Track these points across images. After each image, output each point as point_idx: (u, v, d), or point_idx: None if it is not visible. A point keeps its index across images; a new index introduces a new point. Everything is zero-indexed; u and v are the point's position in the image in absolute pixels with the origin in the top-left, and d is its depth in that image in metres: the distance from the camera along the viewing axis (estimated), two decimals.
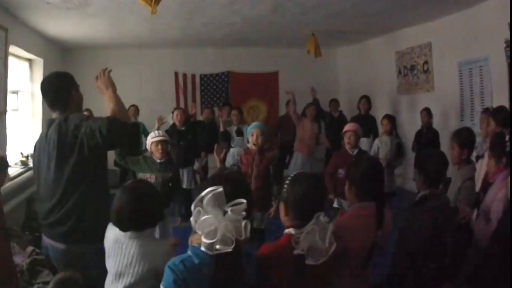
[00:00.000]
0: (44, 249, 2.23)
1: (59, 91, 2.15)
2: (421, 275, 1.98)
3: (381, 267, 2.17)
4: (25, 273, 3.37)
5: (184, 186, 5.30)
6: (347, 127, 3.93)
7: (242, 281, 1.29)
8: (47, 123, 2.17)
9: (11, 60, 4.88)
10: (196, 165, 5.66)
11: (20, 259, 3.52)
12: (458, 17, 5.41)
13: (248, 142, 3.69)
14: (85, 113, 5.42)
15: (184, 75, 8.07)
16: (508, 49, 4.46)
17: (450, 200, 2.37)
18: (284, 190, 1.56)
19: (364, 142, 6.18)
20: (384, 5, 4.99)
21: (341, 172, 3.68)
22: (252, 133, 3.53)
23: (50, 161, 2.06)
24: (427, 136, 5.35)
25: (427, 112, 5.48)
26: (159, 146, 3.55)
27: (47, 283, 3.27)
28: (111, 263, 1.82)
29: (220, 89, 8.24)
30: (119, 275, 1.79)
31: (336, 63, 8.83)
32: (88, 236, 2.05)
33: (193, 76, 8.12)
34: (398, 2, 4.91)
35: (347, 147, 3.84)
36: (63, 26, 5.57)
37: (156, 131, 3.78)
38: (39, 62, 6.09)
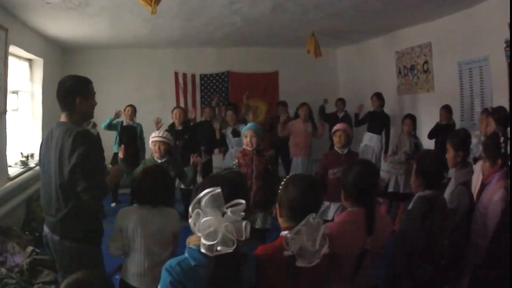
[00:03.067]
0: (43, 237, 2.34)
1: (64, 94, 2.21)
2: (418, 276, 1.98)
3: (379, 268, 2.17)
4: (25, 273, 3.37)
5: (183, 186, 5.29)
6: (337, 126, 3.90)
7: (239, 282, 1.29)
8: (56, 125, 2.26)
9: (11, 60, 4.88)
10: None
11: (20, 259, 3.52)
12: (458, 17, 5.41)
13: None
14: None
15: (184, 75, 8.07)
16: (508, 49, 4.46)
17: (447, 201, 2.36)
18: (279, 193, 1.55)
19: (374, 139, 6.29)
20: (384, 5, 4.98)
21: (332, 172, 3.67)
22: (245, 135, 3.55)
23: (55, 159, 2.15)
24: (445, 133, 5.19)
25: (446, 109, 5.25)
26: (156, 147, 3.59)
27: (47, 283, 3.27)
28: (139, 241, 2.21)
29: (220, 89, 8.23)
30: (149, 248, 2.21)
31: (336, 63, 8.83)
32: (75, 234, 2.17)
33: (193, 76, 8.11)
34: (398, 2, 4.91)
35: (337, 146, 3.81)
36: (63, 26, 5.57)
37: (157, 131, 3.78)
38: (39, 62, 6.09)
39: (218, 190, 1.21)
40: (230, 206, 1.21)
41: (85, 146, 2.07)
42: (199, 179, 6.34)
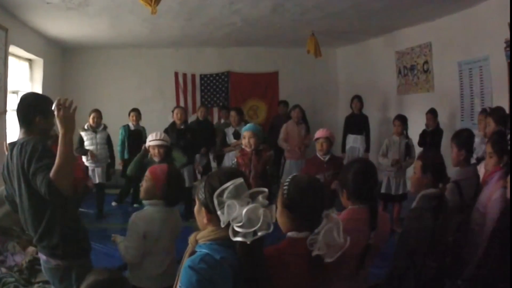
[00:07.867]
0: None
1: (24, 111, 2.14)
2: (422, 274, 1.98)
3: (379, 268, 2.17)
4: (25, 272, 3.38)
5: (186, 184, 5.29)
6: (318, 133, 3.79)
7: (261, 270, 1.32)
8: (10, 146, 2.15)
9: (11, 60, 4.89)
10: (197, 161, 5.67)
11: (20, 259, 3.53)
12: (458, 17, 5.41)
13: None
14: (92, 114, 5.38)
15: (184, 75, 8.07)
16: (508, 49, 4.46)
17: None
18: (285, 195, 1.52)
19: (358, 140, 6.35)
20: (384, 5, 4.99)
21: None
22: (244, 136, 3.56)
23: (19, 179, 2.07)
24: (434, 136, 5.22)
25: (431, 114, 5.30)
26: (156, 150, 3.61)
27: (47, 282, 3.27)
28: (163, 242, 2.24)
29: (220, 89, 8.24)
30: (169, 247, 2.29)
31: (336, 63, 8.83)
32: (56, 252, 2.11)
33: (193, 76, 8.12)
34: (398, 2, 4.91)
35: (319, 154, 3.74)
36: (63, 26, 5.58)
37: (155, 134, 3.75)
38: (39, 62, 6.10)
39: (241, 180, 1.24)
40: (254, 194, 1.26)
41: (33, 143, 2.01)
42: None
